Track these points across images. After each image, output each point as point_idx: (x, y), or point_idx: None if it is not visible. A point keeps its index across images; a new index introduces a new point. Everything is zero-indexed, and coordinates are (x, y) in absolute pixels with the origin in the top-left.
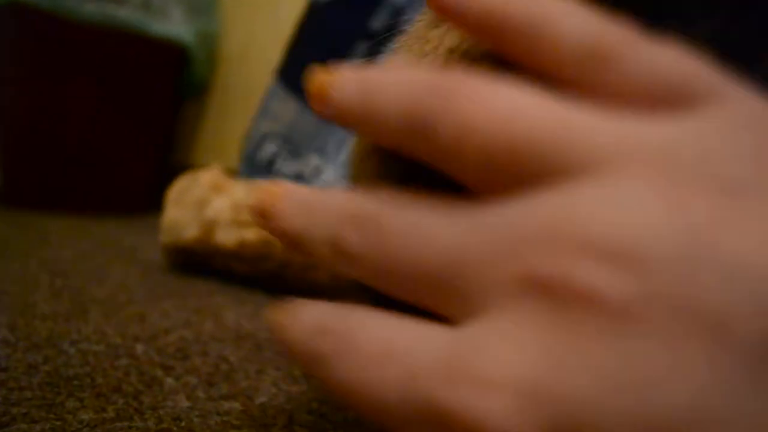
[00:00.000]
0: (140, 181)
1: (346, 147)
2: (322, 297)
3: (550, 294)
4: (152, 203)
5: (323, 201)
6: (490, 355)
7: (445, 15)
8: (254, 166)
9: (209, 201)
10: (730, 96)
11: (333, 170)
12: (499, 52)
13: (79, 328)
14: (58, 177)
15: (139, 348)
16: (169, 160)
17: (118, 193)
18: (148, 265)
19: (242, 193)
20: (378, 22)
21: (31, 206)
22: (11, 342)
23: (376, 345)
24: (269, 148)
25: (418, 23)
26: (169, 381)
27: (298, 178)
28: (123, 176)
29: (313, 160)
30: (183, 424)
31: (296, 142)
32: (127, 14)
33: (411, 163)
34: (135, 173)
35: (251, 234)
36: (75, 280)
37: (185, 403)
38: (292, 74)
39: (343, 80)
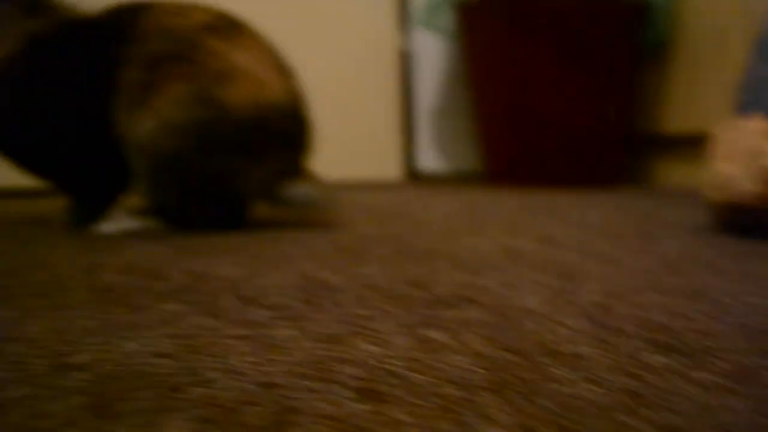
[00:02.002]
0: (609, 151)
1: None
2: None
3: None
4: (620, 174)
5: None
6: None
7: None
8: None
9: (764, 150)
10: None
11: None
12: None
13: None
14: (532, 152)
15: None
16: (633, 128)
17: (589, 165)
18: (691, 229)
19: None
20: None
21: (507, 181)
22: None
23: None
24: None
25: None
26: None
27: None
28: (592, 147)
29: None
30: None
31: None
32: None
33: None
34: (602, 143)
35: None
36: (623, 247)
37: None
38: None
39: None
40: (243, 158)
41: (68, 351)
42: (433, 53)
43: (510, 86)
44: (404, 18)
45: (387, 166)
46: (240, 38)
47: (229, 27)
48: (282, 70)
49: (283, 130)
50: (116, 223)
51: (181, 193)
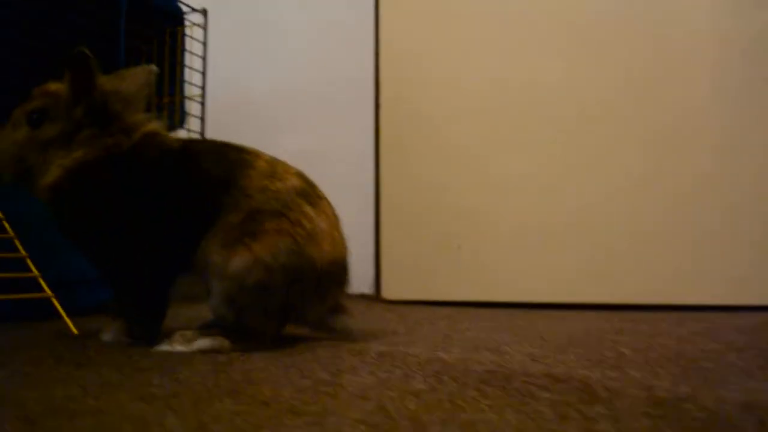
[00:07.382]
0: None
1: None
2: None
3: None
4: None
5: None
6: None
7: None
8: None
9: None
10: None
11: None
12: None
13: None
14: None
15: None
16: None
17: None
18: None
19: None
20: None
21: None
22: None
23: None
24: None
25: None
26: None
27: None
28: None
29: None
30: None
31: None
32: None
33: None
34: None
35: None
36: None
37: None
38: None
39: None
40: (313, 296)
41: None
42: None
43: None
44: None
45: None
46: (319, 203)
47: (313, 193)
48: (340, 228)
49: (340, 277)
50: (190, 343)
51: (254, 314)
